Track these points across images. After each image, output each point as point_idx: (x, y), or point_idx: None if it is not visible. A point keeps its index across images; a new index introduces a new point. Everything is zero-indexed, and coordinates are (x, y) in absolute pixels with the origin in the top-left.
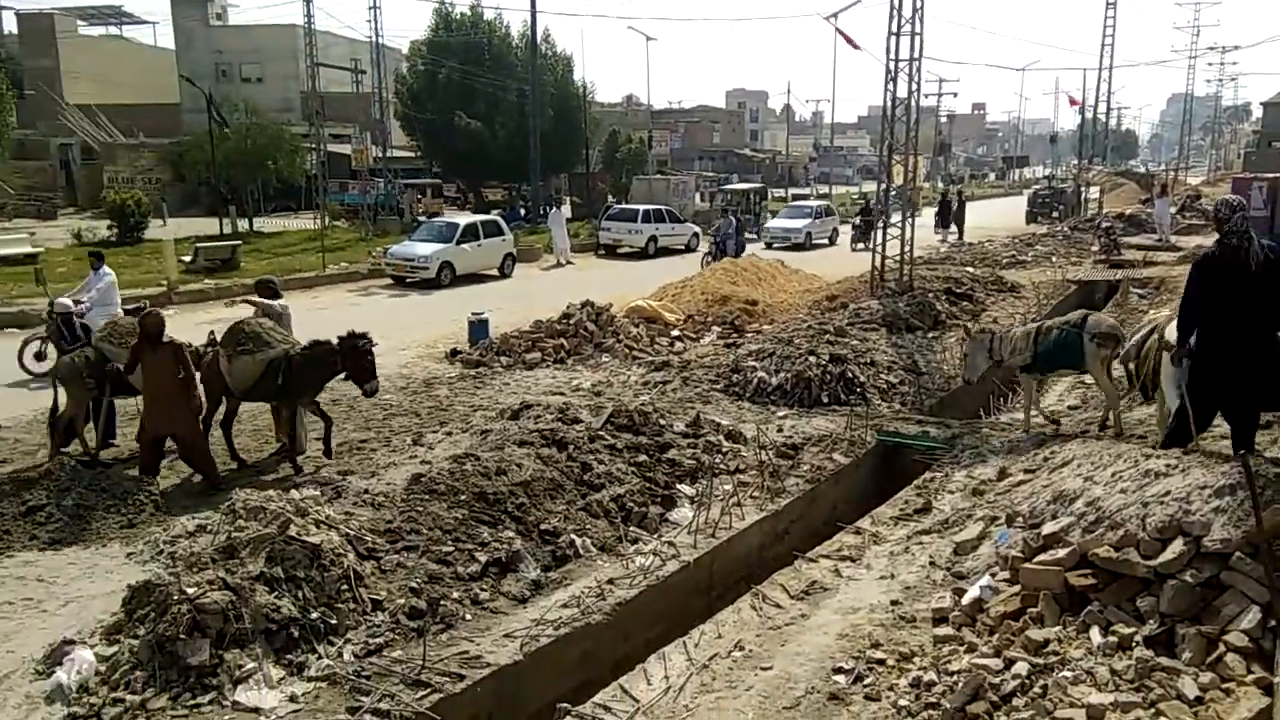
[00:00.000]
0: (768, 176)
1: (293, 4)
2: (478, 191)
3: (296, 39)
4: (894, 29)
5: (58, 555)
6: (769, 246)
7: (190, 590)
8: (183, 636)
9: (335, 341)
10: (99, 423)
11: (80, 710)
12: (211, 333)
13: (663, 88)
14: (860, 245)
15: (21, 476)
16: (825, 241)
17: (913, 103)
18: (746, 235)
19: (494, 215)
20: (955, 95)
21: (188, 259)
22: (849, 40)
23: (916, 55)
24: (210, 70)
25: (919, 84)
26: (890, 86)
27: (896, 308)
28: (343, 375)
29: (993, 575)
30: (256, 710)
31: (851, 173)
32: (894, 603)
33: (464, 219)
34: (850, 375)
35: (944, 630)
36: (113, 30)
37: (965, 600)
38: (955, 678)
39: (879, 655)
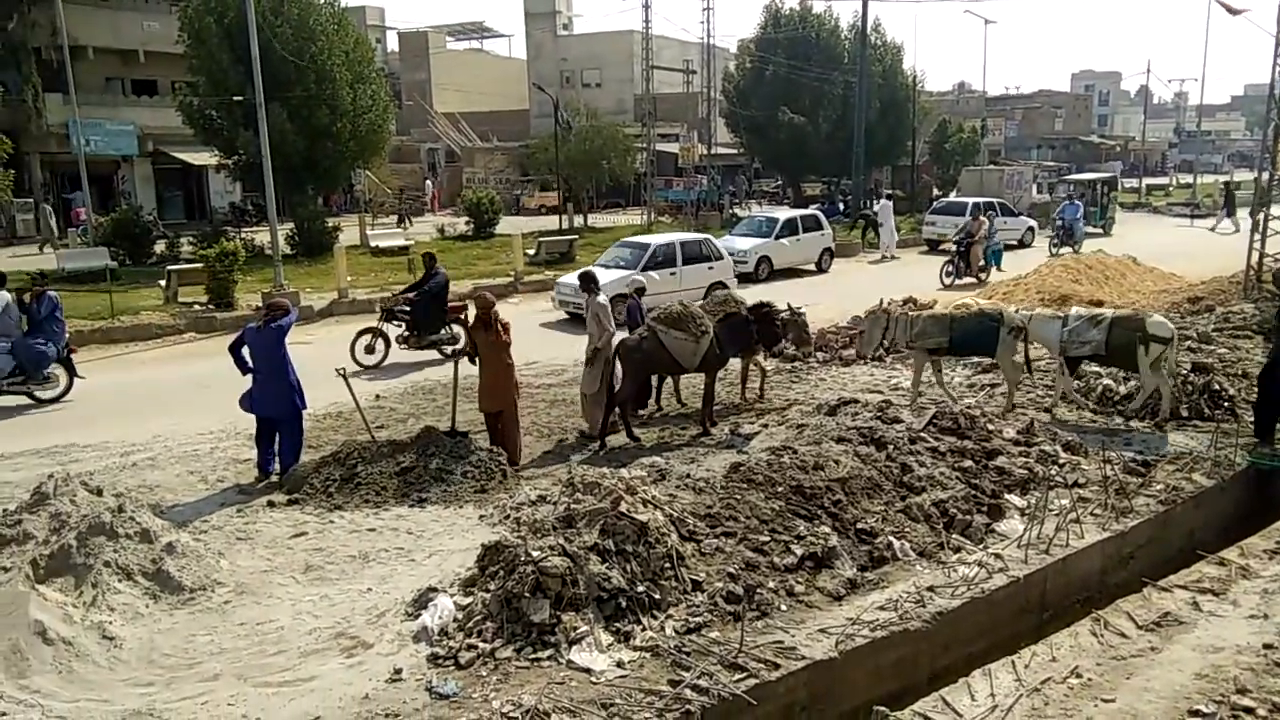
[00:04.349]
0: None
1: (632, 11)
2: (797, 186)
3: (633, 44)
4: None
5: (423, 512)
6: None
7: (535, 553)
8: (527, 595)
9: (747, 311)
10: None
11: (440, 651)
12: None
13: (999, 72)
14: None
15: (397, 441)
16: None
17: None
18: (1087, 229)
19: (812, 210)
20: None
21: (531, 252)
22: (1228, 8)
23: None
24: (556, 77)
25: None
26: (1278, 60)
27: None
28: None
29: None
30: (588, 671)
31: (1221, 160)
32: (1267, 646)
33: (783, 214)
34: (1217, 387)
35: None
36: (474, 44)
37: None
38: None
39: (1246, 703)
